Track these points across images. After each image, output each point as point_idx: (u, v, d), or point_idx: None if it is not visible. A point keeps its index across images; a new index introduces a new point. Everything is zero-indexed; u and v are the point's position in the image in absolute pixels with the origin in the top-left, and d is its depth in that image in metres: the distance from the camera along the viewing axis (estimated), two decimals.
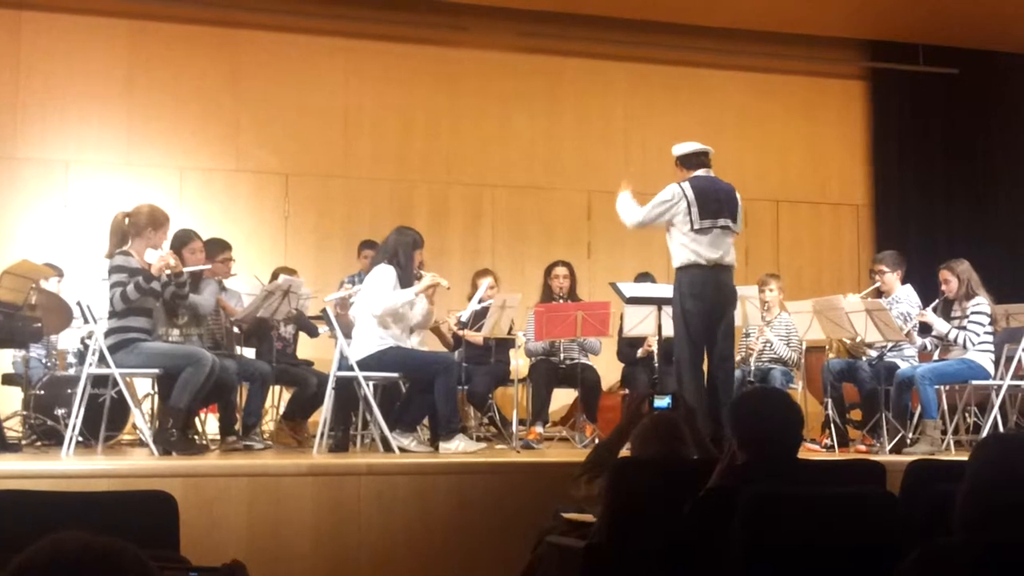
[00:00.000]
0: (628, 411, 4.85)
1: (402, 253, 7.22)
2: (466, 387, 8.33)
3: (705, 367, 7.14)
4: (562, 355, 8.61)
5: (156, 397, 7.41)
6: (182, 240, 7.17)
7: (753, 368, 8.44)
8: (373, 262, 7.43)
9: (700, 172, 7.20)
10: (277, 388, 8.32)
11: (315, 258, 10.25)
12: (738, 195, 7.28)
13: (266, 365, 7.66)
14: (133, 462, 6.35)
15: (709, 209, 7.02)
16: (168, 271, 6.63)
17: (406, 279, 7.17)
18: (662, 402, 4.73)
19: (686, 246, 7.02)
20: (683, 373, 7.10)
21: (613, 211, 10.96)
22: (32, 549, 1.44)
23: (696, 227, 6.98)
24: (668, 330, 7.77)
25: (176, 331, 7.05)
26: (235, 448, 7.19)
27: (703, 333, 7.08)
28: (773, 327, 8.61)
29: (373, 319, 7.06)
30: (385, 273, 7.13)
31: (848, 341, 8.33)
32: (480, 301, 8.36)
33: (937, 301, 7.98)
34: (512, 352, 8.81)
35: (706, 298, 7.01)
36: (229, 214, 10.15)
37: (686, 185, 7.09)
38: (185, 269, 6.86)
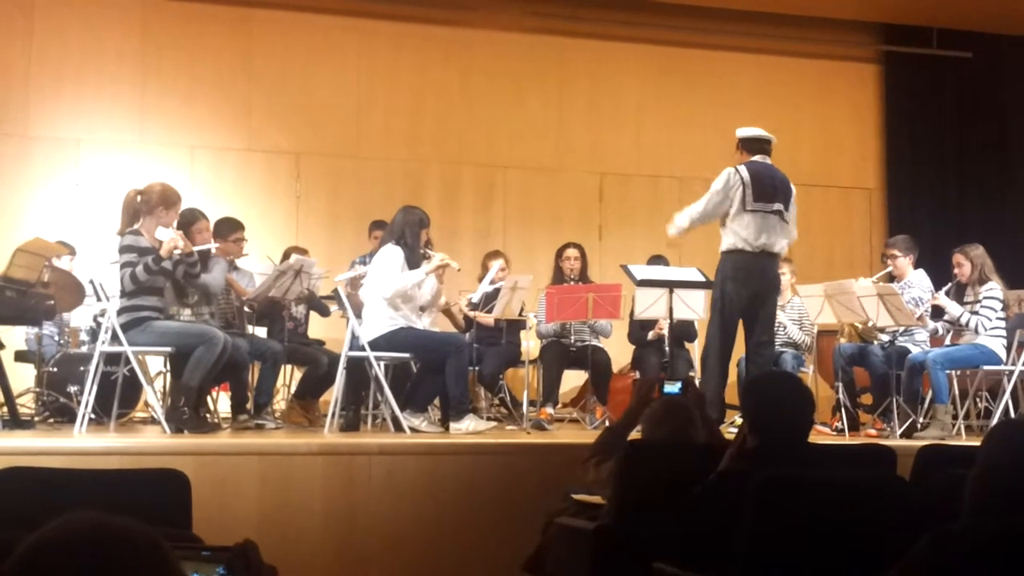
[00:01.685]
0: (638, 395, 4.86)
1: (409, 233, 7.22)
2: (477, 368, 8.35)
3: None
4: (573, 337, 8.61)
5: (168, 375, 7.43)
6: (188, 220, 7.13)
7: None
8: (381, 242, 7.44)
9: (757, 158, 7.17)
10: (289, 367, 8.33)
11: (326, 238, 10.25)
12: (792, 187, 7.25)
13: (278, 344, 7.67)
14: (145, 440, 6.39)
15: (764, 193, 7.00)
16: (178, 251, 6.63)
17: (413, 259, 7.17)
18: (672, 387, 4.73)
19: (734, 230, 6.97)
20: (709, 357, 7.09)
21: (624, 193, 11.09)
22: (46, 529, 1.45)
23: (748, 208, 6.94)
24: (679, 313, 7.77)
25: (187, 310, 7.06)
26: (246, 427, 7.20)
27: (738, 319, 7.06)
28: (785, 311, 8.60)
29: (383, 300, 7.07)
30: (392, 254, 7.13)
31: (860, 326, 8.32)
32: (491, 283, 8.37)
33: (950, 285, 7.96)
34: (523, 333, 8.82)
35: (750, 284, 6.99)
36: (241, 193, 10.15)
37: (742, 168, 7.07)
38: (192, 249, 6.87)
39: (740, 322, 7.18)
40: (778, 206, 7.04)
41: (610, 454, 4.44)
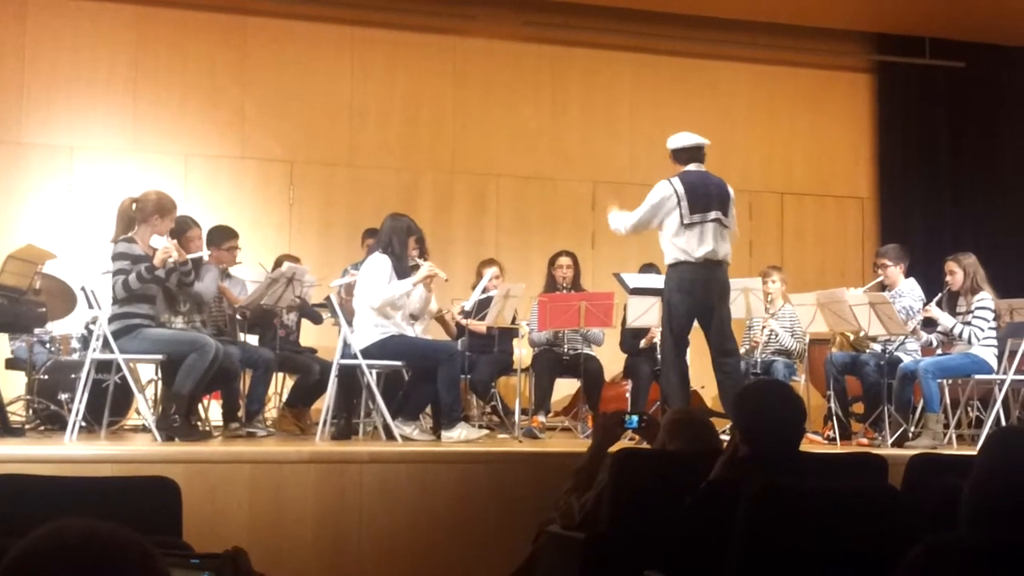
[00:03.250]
0: (601, 431, 4.84)
1: (396, 241, 7.22)
2: (469, 376, 8.34)
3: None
4: (565, 345, 8.61)
5: (160, 383, 7.42)
6: (181, 228, 7.11)
7: (757, 360, 8.44)
8: (370, 251, 7.44)
9: (692, 167, 7.17)
10: (280, 375, 8.32)
11: (319, 246, 10.25)
12: (731, 190, 7.25)
13: (269, 352, 7.66)
14: (136, 447, 6.37)
15: (699, 204, 7.00)
16: (171, 260, 6.62)
17: (400, 267, 7.17)
18: (632, 420, 4.85)
19: (675, 244, 6.99)
20: (667, 368, 7.12)
21: (618, 201, 11.02)
22: (34, 535, 1.44)
23: (686, 222, 6.95)
24: None
25: (179, 318, 7.06)
26: (238, 435, 7.20)
27: (688, 331, 7.08)
28: (777, 318, 8.61)
29: (372, 309, 7.06)
30: (379, 263, 7.13)
31: (852, 336, 8.32)
32: (484, 291, 8.36)
33: (941, 293, 7.97)
34: (515, 341, 8.82)
35: (695, 294, 6.99)
36: (234, 201, 10.14)
37: (675, 181, 7.07)
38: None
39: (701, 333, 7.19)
40: (715, 214, 7.03)
41: (586, 489, 4.43)
